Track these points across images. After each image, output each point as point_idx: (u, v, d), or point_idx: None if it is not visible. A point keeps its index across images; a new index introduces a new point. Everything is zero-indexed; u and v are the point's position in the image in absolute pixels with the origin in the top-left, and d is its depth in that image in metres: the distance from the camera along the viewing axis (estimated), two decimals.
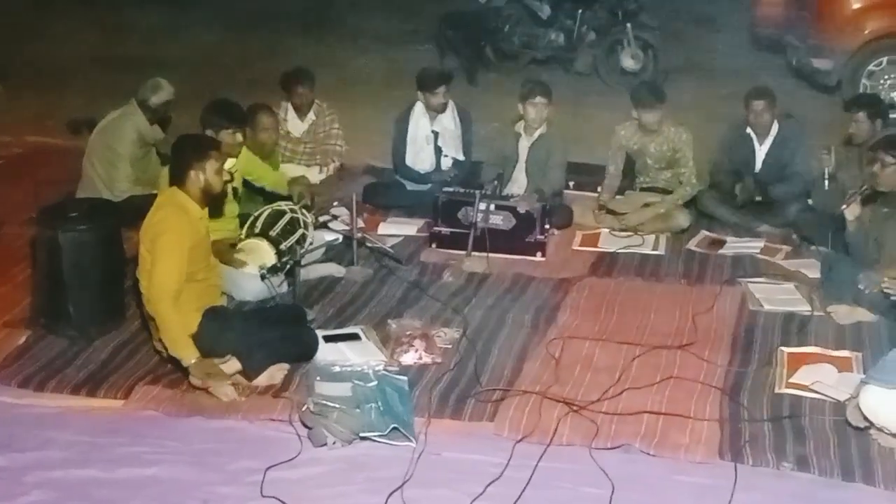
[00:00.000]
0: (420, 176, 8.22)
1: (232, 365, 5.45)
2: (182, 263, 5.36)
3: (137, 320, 6.09)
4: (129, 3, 15.03)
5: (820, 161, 7.28)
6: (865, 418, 4.93)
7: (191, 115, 7.80)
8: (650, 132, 7.80)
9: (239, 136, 6.69)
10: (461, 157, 8.29)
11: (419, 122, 8.24)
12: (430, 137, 8.23)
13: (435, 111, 8.15)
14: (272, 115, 7.56)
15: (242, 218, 6.74)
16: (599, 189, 8.07)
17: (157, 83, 7.82)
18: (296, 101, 8.53)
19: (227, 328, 5.55)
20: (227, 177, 5.76)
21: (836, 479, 4.77)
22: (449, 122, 8.26)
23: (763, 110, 7.70)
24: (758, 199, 7.75)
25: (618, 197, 8.05)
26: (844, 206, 6.40)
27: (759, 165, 7.86)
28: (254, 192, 7.08)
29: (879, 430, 4.93)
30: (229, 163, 6.60)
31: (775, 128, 7.80)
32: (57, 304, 6.07)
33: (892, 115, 8.89)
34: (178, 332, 5.38)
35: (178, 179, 5.55)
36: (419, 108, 8.21)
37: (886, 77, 10.46)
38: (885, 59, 10.46)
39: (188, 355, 5.37)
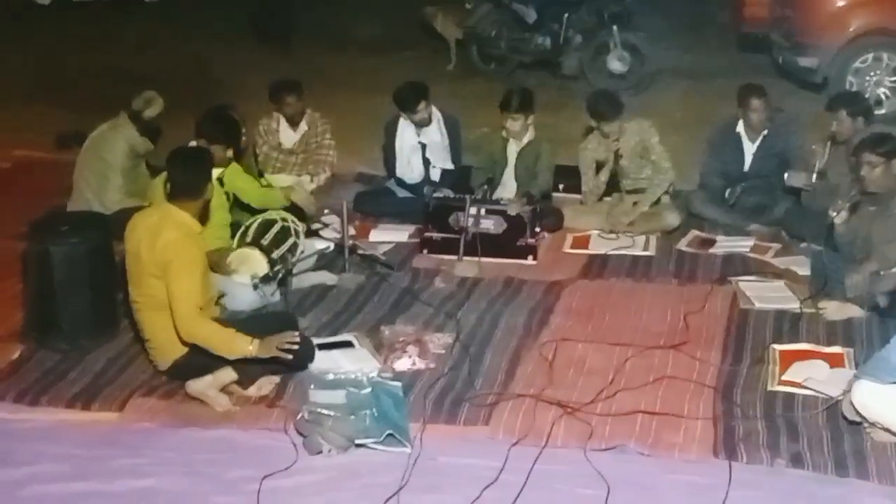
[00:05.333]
0: (411, 187, 8.22)
1: (227, 374, 5.44)
2: (198, 282, 5.32)
3: (130, 333, 6.08)
4: (115, 15, 15.05)
5: (812, 154, 7.30)
6: (858, 413, 4.95)
7: (180, 127, 7.84)
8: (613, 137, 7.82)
9: (230, 153, 6.72)
10: (450, 166, 8.26)
11: (404, 135, 8.19)
12: (418, 148, 8.19)
13: (419, 126, 8.14)
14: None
15: (233, 227, 6.75)
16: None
17: (151, 96, 7.84)
18: (286, 112, 8.53)
19: None
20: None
21: (830, 474, 4.78)
22: (434, 133, 8.20)
23: (761, 109, 7.68)
24: (751, 198, 7.75)
25: (606, 198, 8.05)
26: (834, 214, 6.41)
27: (748, 164, 7.85)
28: (242, 208, 7.05)
29: (872, 425, 4.95)
30: (216, 171, 6.65)
31: (767, 123, 7.79)
32: (49, 317, 6.07)
33: (877, 112, 8.96)
34: (221, 338, 5.23)
35: (194, 192, 5.48)
36: (404, 119, 8.18)
37: (872, 73, 10.48)
38: (870, 56, 10.48)
39: (245, 347, 5.17)
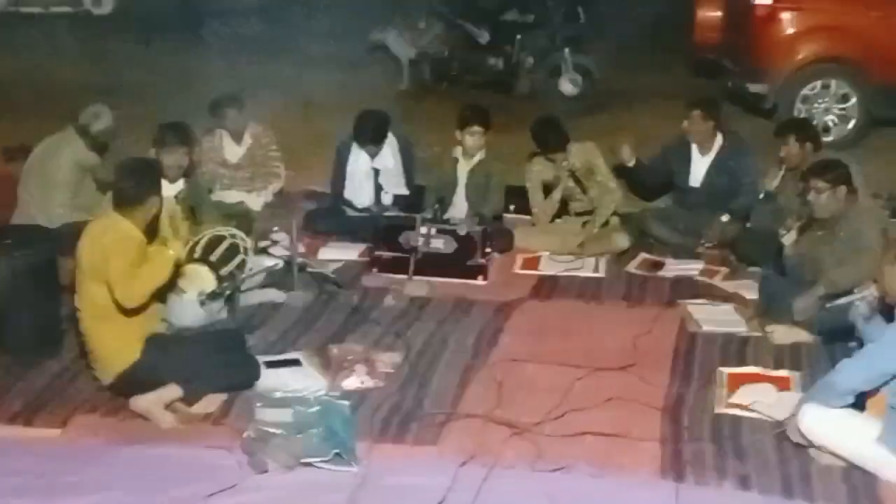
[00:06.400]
0: (359, 209, 8.18)
1: (172, 391, 5.38)
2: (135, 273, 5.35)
3: (74, 349, 6.01)
4: (62, 28, 14.92)
5: (768, 176, 7.37)
6: (804, 437, 4.98)
7: (128, 141, 7.77)
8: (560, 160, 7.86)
9: (181, 160, 6.69)
10: (404, 192, 8.21)
11: (359, 160, 8.14)
12: (371, 174, 8.15)
13: (372, 155, 8.09)
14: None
15: None
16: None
17: (99, 110, 7.76)
18: (229, 127, 8.45)
19: (167, 355, 5.50)
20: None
21: (776, 496, 4.80)
22: (388, 159, 8.15)
23: (698, 118, 7.76)
24: (699, 217, 7.84)
25: (557, 220, 8.08)
26: (784, 233, 6.48)
27: (700, 177, 7.91)
28: None
29: (818, 448, 4.98)
30: (177, 186, 6.61)
31: (719, 141, 7.86)
32: None
33: (825, 139, 9.07)
34: (156, 269, 5.48)
35: (138, 201, 5.49)
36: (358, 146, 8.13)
37: (820, 101, 10.61)
38: (818, 84, 10.60)
39: (173, 253, 5.55)
